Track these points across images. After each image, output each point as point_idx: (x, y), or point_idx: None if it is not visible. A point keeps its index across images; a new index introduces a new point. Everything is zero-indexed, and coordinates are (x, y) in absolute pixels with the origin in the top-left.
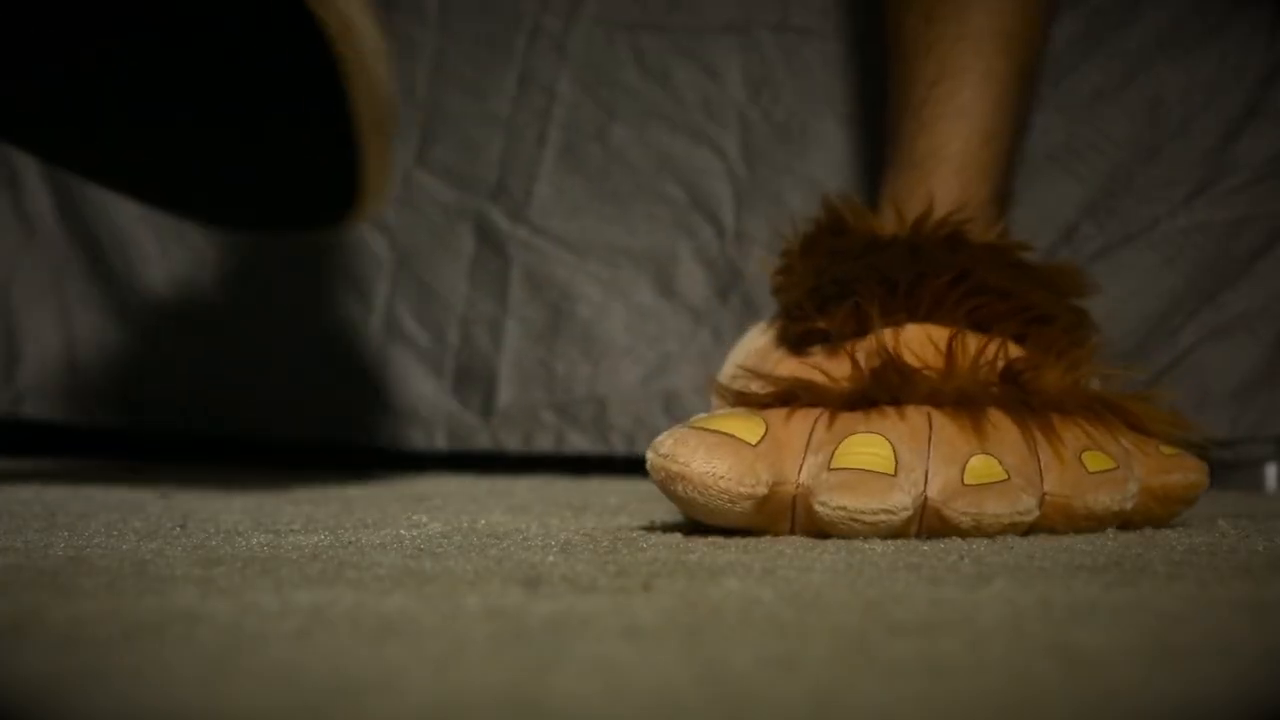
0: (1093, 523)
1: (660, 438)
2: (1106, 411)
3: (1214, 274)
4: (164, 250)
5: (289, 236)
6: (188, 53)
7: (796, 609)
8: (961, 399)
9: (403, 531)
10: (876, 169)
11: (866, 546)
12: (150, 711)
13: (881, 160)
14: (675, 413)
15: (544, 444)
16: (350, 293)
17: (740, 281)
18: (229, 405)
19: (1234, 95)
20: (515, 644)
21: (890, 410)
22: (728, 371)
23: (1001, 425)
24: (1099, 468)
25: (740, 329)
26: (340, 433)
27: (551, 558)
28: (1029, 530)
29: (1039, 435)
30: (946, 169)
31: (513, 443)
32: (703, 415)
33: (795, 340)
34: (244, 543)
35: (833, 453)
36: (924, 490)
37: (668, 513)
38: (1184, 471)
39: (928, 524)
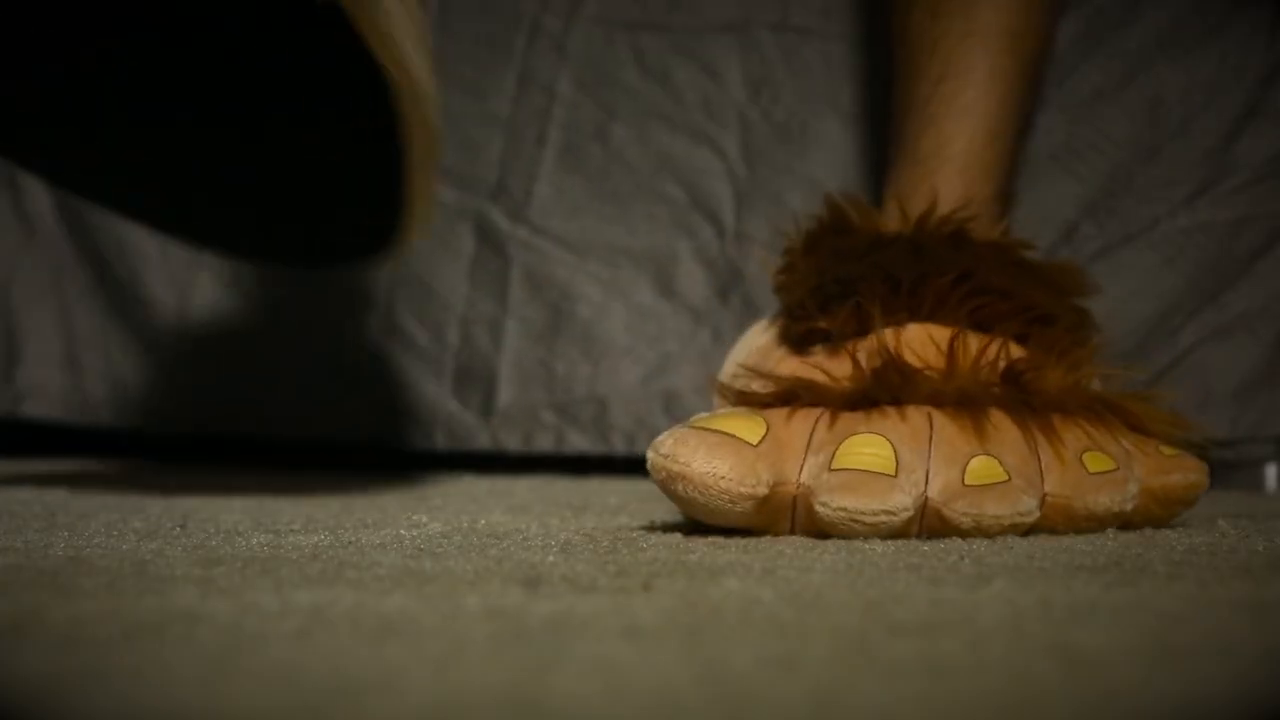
0: (1093, 523)
1: (661, 437)
2: (1107, 412)
3: (1214, 274)
4: (163, 251)
5: (326, 271)
6: (237, 85)
7: (796, 609)
8: (963, 399)
9: (403, 531)
10: (878, 168)
11: (867, 547)
12: (150, 711)
13: (884, 158)
14: (675, 413)
15: (544, 444)
16: (350, 293)
17: (740, 281)
18: (229, 405)
19: (1234, 95)
20: (515, 644)
21: (891, 410)
22: (729, 370)
23: (1002, 426)
24: (1099, 469)
25: (740, 329)
26: (340, 433)
27: (551, 558)
28: (1029, 531)
29: (1040, 436)
30: (951, 166)
31: (513, 443)
32: (703, 415)
33: (797, 339)
34: (244, 543)
35: (834, 453)
36: (925, 491)
37: (668, 513)
38: (1184, 472)
39: (928, 524)
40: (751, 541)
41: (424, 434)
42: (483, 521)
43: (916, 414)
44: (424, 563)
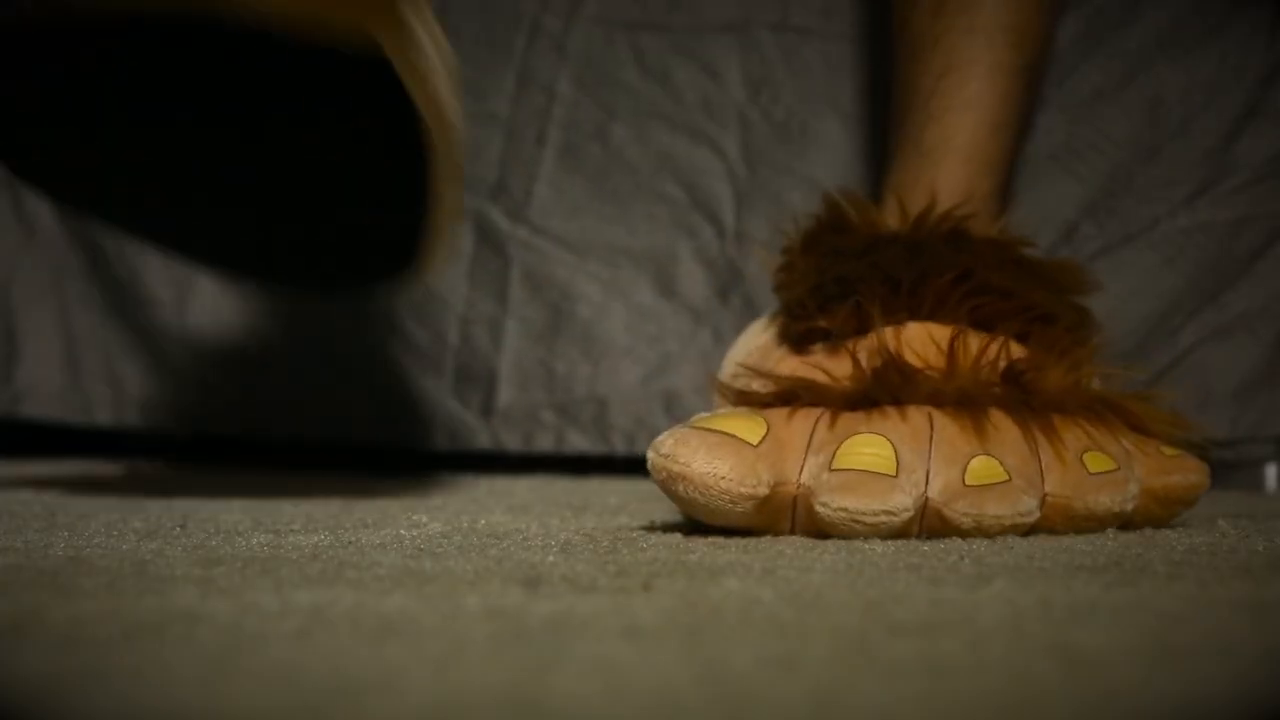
0: (1093, 523)
1: (661, 437)
2: (1107, 412)
3: (1214, 274)
4: None
5: (344, 296)
6: (269, 124)
7: (796, 609)
8: (963, 399)
9: (403, 531)
10: (878, 166)
11: (867, 547)
12: (150, 711)
13: (884, 153)
14: (675, 413)
15: (544, 444)
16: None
17: (740, 281)
18: (228, 405)
19: (1234, 95)
20: (515, 644)
21: (891, 410)
22: (729, 369)
23: (1003, 426)
24: (1100, 469)
25: (740, 329)
26: (340, 433)
27: (551, 558)
28: (1029, 531)
29: (1040, 436)
30: (953, 160)
31: (513, 443)
32: (704, 415)
33: (797, 339)
34: (244, 543)
35: (834, 453)
36: (925, 491)
37: (668, 513)
38: (1185, 472)
39: (928, 524)
40: (751, 541)
41: (424, 434)
42: (483, 521)
43: (917, 414)
44: (424, 563)
